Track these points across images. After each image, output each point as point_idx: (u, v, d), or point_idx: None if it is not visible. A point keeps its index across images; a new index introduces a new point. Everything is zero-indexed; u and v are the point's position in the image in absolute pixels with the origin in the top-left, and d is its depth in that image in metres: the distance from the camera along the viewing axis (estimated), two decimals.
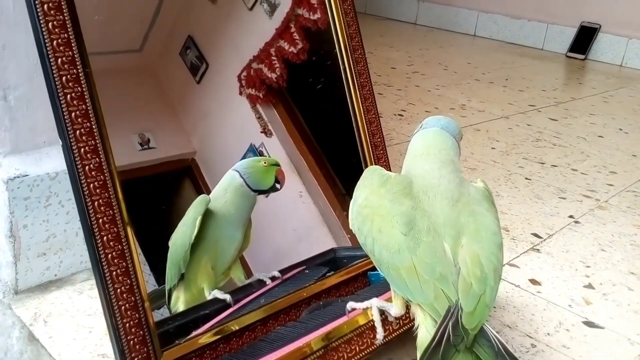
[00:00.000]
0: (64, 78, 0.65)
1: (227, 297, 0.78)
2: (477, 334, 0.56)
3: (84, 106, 0.66)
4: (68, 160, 0.65)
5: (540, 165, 1.53)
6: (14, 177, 0.80)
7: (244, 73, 0.83)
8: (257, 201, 0.79)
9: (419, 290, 0.58)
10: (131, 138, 0.74)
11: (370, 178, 0.65)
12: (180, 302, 0.75)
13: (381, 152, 0.97)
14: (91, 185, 0.66)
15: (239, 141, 0.82)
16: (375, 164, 0.94)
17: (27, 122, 0.81)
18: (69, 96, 0.65)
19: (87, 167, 0.65)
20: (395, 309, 0.68)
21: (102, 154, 0.66)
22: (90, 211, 0.65)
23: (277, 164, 0.80)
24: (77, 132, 0.65)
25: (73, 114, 0.65)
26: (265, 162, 0.79)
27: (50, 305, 0.83)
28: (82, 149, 0.65)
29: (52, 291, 0.85)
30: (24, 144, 0.82)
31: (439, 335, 0.56)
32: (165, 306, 0.76)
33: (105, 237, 0.66)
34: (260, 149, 0.83)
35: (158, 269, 0.76)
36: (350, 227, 0.66)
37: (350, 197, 0.94)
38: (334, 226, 0.91)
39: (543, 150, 1.64)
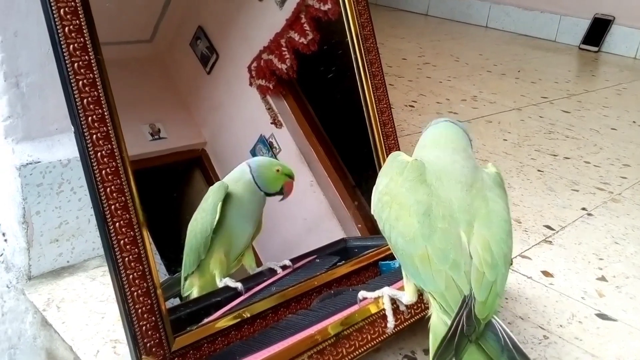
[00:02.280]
0: (75, 64, 0.65)
1: (239, 285, 0.79)
2: (485, 326, 0.56)
3: (95, 93, 0.66)
4: (80, 146, 0.65)
5: (552, 157, 1.52)
6: (27, 164, 0.80)
7: (254, 64, 0.83)
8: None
9: (430, 279, 0.58)
10: (142, 128, 0.75)
11: (391, 165, 0.66)
12: (194, 288, 0.75)
13: (392, 142, 0.97)
14: (103, 171, 0.66)
15: (248, 132, 0.82)
16: (387, 154, 0.93)
17: (39, 109, 0.81)
18: (80, 83, 0.65)
19: (99, 154, 0.66)
20: (407, 297, 0.67)
21: (114, 141, 0.66)
22: (103, 198, 0.65)
23: (291, 176, 0.80)
24: (89, 118, 0.65)
25: (85, 100, 0.65)
26: (279, 169, 0.79)
27: (63, 291, 0.83)
28: (94, 136, 0.65)
29: (65, 277, 0.86)
30: (36, 131, 0.82)
31: (454, 327, 0.55)
32: (177, 296, 0.76)
33: (117, 224, 0.66)
34: (270, 140, 0.83)
35: (169, 258, 0.76)
36: (372, 213, 0.66)
37: (360, 188, 0.95)
38: (343, 217, 0.91)
39: (555, 142, 1.63)
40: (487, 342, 0.55)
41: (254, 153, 0.82)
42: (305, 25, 0.87)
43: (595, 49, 2.99)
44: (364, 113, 0.93)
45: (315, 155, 0.88)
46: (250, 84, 0.82)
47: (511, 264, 0.64)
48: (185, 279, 0.75)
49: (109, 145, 0.66)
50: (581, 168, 1.46)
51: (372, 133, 0.93)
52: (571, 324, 0.86)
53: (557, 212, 1.21)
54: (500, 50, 2.84)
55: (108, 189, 0.66)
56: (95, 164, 0.65)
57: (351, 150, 0.92)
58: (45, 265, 0.86)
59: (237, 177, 0.78)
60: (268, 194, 0.79)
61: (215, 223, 0.74)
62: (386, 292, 0.70)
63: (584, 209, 1.24)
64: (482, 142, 1.56)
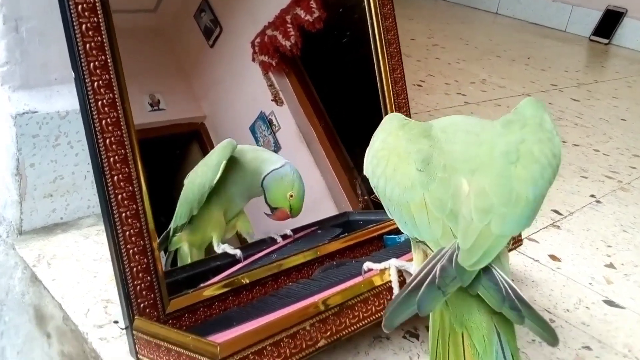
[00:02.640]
0: (79, 7, 0.62)
1: (237, 252, 0.76)
2: (481, 276, 0.52)
3: (99, 38, 0.62)
4: (80, 94, 0.62)
5: (561, 144, 1.48)
6: (23, 113, 0.76)
7: (258, 39, 0.80)
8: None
9: (426, 227, 0.55)
10: (141, 98, 0.72)
11: (390, 122, 0.63)
12: (182, 244, 0.73)
13: (405, 113, 0.94)
14: (103, 122, 0.62)
15: (249, 108, 0.80)
16: None
17: (39, 56, 0.78)
18: (84, 26, 0.62)
19: (99, 103, 0.62)
20: (415, 267, 0.65)
21: (117, 90, 0.63)
22: (102, 149, 0.62)
23: (295, 210, 0.77)
24: (92, 64, 0.62)
25: (88, 45, 0.62)
26: (292, 196, 0.77)
27: (55, 247, 0.80)
28: (96, 83, 0.62)
29: (57, 234, 0.83)
30: (34, 80, 0.78)
31: (419, 278, 0.51)
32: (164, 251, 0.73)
33: (115, 177, 0.63)
34: (270, 117, 0.81)
35: (162, 230, 0.73)
36: (365, 173, 0.64)
37: (359, 170, 0.92)
38: (339, 199, 0.88)
39: (565, 130, 1.60)
40: (487, 292, 0.51)
41: (253, 130, 0.80)
42: (311, 2, 0.84)
43: (606, 40, 2.94)
44: (368, 90, 0.90)
45: (314, 135, 0.86)
46: (253, 60, 0.80)
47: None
48: (174, 232, 0.72)
49: (111, 94, 0.63)
50: (590, 156, 1.43)
51: (384, 103, 0.90)
52: (578, 309, 0.84)
53: (565, 198, 1.19)
54: (510, 36, 2.79)
55: (107, 140, 0.62)
56: (95, 113, 0.62)
57: (351, 132, 0.90)
58: (38, 220, 0.83)
59: (253, 155, 0.76)
60: (266, 201, 0.77)
61: (215, 181, 0.71)
62: (393, 263, 0.67)
63: (592, 196, 1.22)
64: None
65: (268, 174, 0.76)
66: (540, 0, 3.20)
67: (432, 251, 0.55)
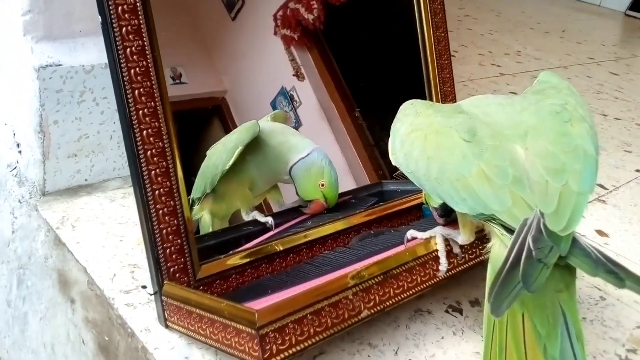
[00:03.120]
0: None
1: (269, 219, 0.72)
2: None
3: None
4: (107, 40, 0.57)
5: (602, 117, 1.41)
6: (46, 66, 0.72)
7: (280, 12, 0.77)
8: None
9: (492, 198, 0.50)
10: (164, 71, 0.68)
11: (412, 107, 0.60)
12: (204, 212, 0.69)
13: (449, 88, 0.88)
14: (132, 71, 0.58)
15: (270, 83, 0.78)
16: (443, 102, 0.86)
17: (64, 4, 0.73)
18: None
19: (128, 50, 0.58)
20: (462, 236, 0.60)
21: (146, 37, 0.58)
22: (130, 101, 0.58)
23: (331, 199, 0.73)
24: (119, 8, 0.57)
25: None
26: (323, 184, 0.72)
27: (79, 210, 0.77)
28: (124, 29, 0.57)
29: (82, 196, 0.79)
30: (58, 30, 0.74)
31: (513, 255, 0.46)
32: None
33: (145, 132, 0.58)
34: (292, 92, 0.79)
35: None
36: (394, 163, 0.59)
37: (379, 148, 0.87)
38: (359, 176, 0.85)
39: (605, 103, 1.52)
40: (576, 259, 0.46)
41: (274, 105, 0.78)
42: None
43: None
44: (397, 65, 0.87)
45: (335, 112, 0.83)
46: (275, 34, 0.77)
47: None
48: (193, 203, 0.68)
49: (140, 42, 0.58)
50: (633, 130, 1.36)
51: (428, 77, 0.85)
52: None
53: (609, 172, 1.12)
54: (543, 9, 2.69)
55: (137, 92, 0.58)
56: (124, 61, 0.57)
57: (373, 108, 0.86)
58: (61, 181, 0.79)
59: (281, 140, 0.72)
60: (297, 194, 0.73)
61: (228, 166, 0.67)
62: (439, 231, 0.63)
63: (638, 170, 1.15)
64: None
65: (295, 164, 0.72)
66: None
67: (498, 225, 0.51)
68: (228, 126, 0.73)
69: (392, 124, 0.61)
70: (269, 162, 0.72)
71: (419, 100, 0.61)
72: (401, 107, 0.61)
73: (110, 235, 0.73)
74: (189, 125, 0.71)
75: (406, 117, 0.59)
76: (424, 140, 0.55)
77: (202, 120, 0.73)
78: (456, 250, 0.63)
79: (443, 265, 0.61)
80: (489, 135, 0.53)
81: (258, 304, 0.53)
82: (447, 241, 0.63)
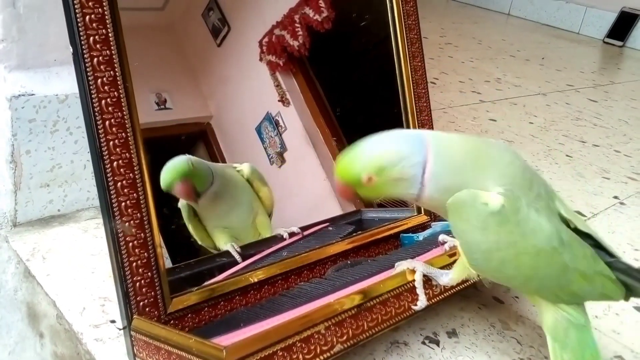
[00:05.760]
0: None
1: (238, 257, 0.70)
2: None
3: (100, 10, 0.57)
4: (78, 70, 0.57)
5: (581, 144, 1.43)
6: (19, 95, 0.71)
7: (266, 39, 0.78)
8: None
9: (589, 292, 0.57)
10: (148, 96, 0.69)
11: (480, 214, 0.53)
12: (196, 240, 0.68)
13: (426, 117, 0.88)
14: (103, 102, 0.57)
15: (255, 108, 0.78)
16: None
17: (38, 35, 0.73)
18: None
19: (99, 81, 0.57)
20: (450, 279, 0.61)
21: (118, 68, 0.58)
22: (100, 131, 0.57)
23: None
24: (91, 39, 0.57)
25: (87, 17, 0.57)
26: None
27: (51, 241, 0.75)
28: (95, 59, 0.57)
29: (54, 227, 0.78)
30: (32, 60, 0.73)
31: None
32: None
33: (115, 163, 0.58)
34: (277, 118, 0.79)
35: (166, 231, 0.68)
36: (474, 270, 0.58)
37: None
38: (344, 203, 0.84)
39: (584, 130, 1.54)
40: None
41: (259, 130, 0.78)
42: (320, 1, 0.81)
43: (620, 43, 2.88)
44: (378, 91, 0.88)
45: (321, 137, 0.84)
46: (260, 59, 0.78)
47: None
48: None
49: (111, 72, 0.58)
50: (611, 157, 1.38)
51: (405, 106, 0.86)
52: (607, 316, 0.78)
53: (587, 199, 1.13)
54: (523, 37, 2.73)
55: (107, 122, 0.57)
56: (94, 92, 0.57)
57: (358, 133, 0.86)
58: (34, 211, 0.77)
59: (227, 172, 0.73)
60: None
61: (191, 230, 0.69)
62: (420, 268, 0.61)
63: (616, 197, 1.16)
64: (507, 124, 1.48)
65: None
66: (554, 1, 3.14)
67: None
68: (213, 152, 0.73)
69: (457, 224, 0.54)
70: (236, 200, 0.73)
71: (477, 201, 0.52)
72: (460, 205, 0.53)
73: (81, 267, 0.72)
74: (174, 151, 0.71)
75: (481, 230, 0.53)
76: (516, 260, 0.54)
77: (187, 145, 0.73)
78: (437, 282, 0.62)
79: (422, 301, 0.60)
80: (564, 231, 0.55)
81: (228, 339, 0.52)
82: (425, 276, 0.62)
